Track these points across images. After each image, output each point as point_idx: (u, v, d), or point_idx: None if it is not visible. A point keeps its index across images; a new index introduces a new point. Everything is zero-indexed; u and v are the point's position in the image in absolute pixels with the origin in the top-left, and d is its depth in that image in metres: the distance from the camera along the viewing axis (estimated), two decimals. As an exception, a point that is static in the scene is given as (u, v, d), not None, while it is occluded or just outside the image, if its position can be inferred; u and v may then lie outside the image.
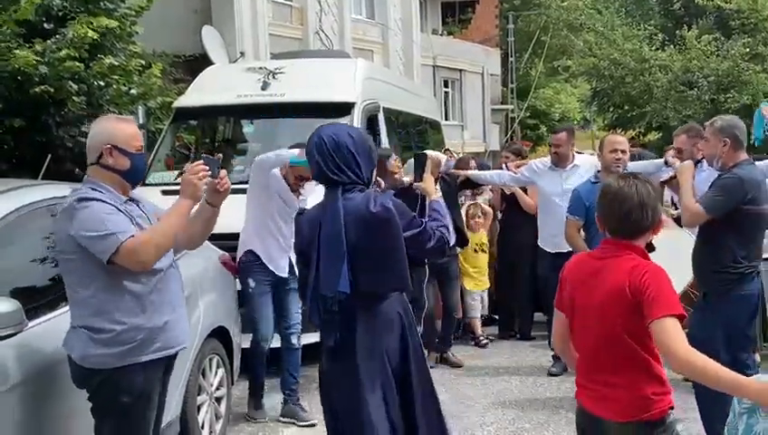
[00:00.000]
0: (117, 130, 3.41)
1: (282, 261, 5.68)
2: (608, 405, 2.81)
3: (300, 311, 5.68)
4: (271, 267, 5.63)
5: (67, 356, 3.32)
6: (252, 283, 5.62)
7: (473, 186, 7.62)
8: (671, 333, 2.58)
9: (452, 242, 6.63)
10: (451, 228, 6.39)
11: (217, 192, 3.53)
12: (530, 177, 7.12)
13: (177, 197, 3.43)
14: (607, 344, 2.79)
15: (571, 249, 5.95)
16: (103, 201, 3.25)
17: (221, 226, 4.21)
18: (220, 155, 3.64)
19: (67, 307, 3.43)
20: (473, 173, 7.36)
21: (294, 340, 5.74)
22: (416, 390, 3.38)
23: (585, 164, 6.89)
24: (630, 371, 2.76)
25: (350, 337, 3.31)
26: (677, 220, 6.39)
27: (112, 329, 3.23)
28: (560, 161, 6.92)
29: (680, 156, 5.99)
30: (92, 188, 3.30)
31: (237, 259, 5.67)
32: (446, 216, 3.59)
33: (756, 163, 4.95)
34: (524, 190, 7.82)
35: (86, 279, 3.24)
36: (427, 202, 3.68)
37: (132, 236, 3.20)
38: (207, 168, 3.41)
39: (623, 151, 6.07)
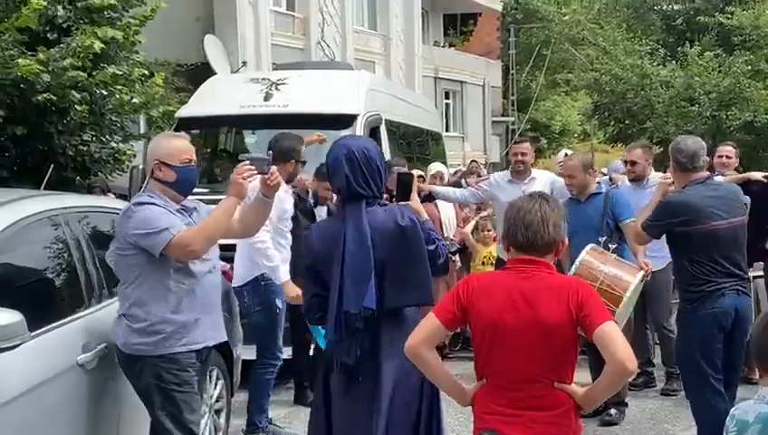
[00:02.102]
0: (162, 146, 3.88)
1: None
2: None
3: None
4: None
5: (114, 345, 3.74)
6: (279, 303, 5.53)
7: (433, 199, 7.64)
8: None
9: None
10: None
11: (268, 186, 3.82)
12: (489, 190, 7.22)
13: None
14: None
15: None
16: (156, 204, 3.68)
17: None
18: (270, 152, 3.97)
19: (70, 318, 3.68)
20: (435, 189, 7.46)
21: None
22: (423, 404, 3.36)
23: (542, 178, 7.06)
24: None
25: (373, 354, 3.26)
26: None
27: (146, 319, 3.65)
28: (522, 172, 7.04)
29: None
30: (148, 196, 3.76)
31: (248, 278, 5.55)
32: (438, 235, 3.55)
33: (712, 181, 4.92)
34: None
35: (133, 274, 3.68)
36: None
37: (182, 230, 3.61)
38: (253, 168, 3.70)
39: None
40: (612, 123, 23.35)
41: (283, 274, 5.47)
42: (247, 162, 3.76)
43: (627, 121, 21.70)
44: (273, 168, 3.83)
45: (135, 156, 10.37)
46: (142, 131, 10.60)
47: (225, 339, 4.17)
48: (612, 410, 5.93)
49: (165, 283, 3.68)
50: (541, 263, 2.85)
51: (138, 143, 9.94)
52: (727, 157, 7.34)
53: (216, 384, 5.12)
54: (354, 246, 3.20)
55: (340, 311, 3.23)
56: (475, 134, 29.57)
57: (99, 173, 9.43)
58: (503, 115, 32.71)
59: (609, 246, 5.54)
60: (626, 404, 6.11)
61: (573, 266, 4.87)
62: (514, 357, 2.79)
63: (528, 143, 7.36)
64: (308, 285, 3.45)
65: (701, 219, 4.59)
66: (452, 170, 12.04)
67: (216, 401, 5.13)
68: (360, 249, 3.19)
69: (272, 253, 5.39)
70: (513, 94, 33.77)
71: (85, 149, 9.07)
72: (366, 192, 3.31)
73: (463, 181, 9.05)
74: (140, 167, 7.93)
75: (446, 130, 26.42)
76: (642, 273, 5.11)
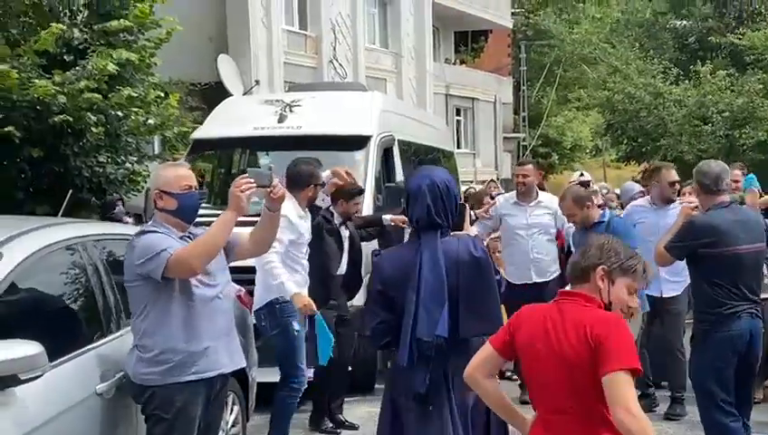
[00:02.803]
0: (161, 176, 3.91)
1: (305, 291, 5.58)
2: None
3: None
4: None
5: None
6: (296, 325, 5.45)
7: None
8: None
9: None
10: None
11: (273, 199, 3.83)
12: (495, 214, 7.23)
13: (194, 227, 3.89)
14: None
15: (535, 281, 6.63)
16: (157, 232, 3.71)
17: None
18: (273, 166, 3.93)
19: (89, 346, 3.70)
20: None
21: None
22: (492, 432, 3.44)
23: (548, 201, 7.09)
24: None
25: (441, 380, 3.31)
26: None
27: (153, 349, 3.66)
28: (525, 194, 7.06)
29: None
30: (152, 225, 3.80)
31: (264, 301, 5.53)
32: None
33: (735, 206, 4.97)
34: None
35: (140, 305, 3.71)
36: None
37: (178, 249, 3.61)
38: (252, 181, 3.68)
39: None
40: (625, 141, 23.33)
41: (290, 287, 5.39)
42: (246, 175, 3.76)
43: (640, 140, 21.69)
44: (276, 180, 3.82)
45: (149, 176, 10.46)
46: (156, 152, 10.70)
47: (243, 365, 4.14)
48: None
49: (170, 312, 3.68)
50: (577, 295, 2.86)
51: (152, 164, 10.02)
52: (734, 181, 7.37)
53: (231, 409, 5.13)
54: (430, 274, 3.26)
55: (413, 338, 3.25)
56: (486, 151, 29.59)
57: (114, 193, 9.49)
58: (514, 131, 32.71)
59: None
60: None
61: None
62: (544, 386, 2.83)
63: (531, 166, 7.39)
64: (375, 311, 3.45)
65: (726, 242, 4.64)
66: (464, 187, 12.04)
67: (232, 426, 5.13)
68: (436, 278, 3.25)
69: (277, 271, 5.36)
70: (524, 110, 33.79)
71: (101, 170, 9.16)
72: (442, 222, 3.40)
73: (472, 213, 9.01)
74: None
75: (458, 147, 26.45)
76: None
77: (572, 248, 6.22)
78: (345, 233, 6.34)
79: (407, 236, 5.71)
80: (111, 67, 8.32)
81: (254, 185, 3.70)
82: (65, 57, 8.82)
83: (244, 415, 5.30)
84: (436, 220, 3.36)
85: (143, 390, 3.69)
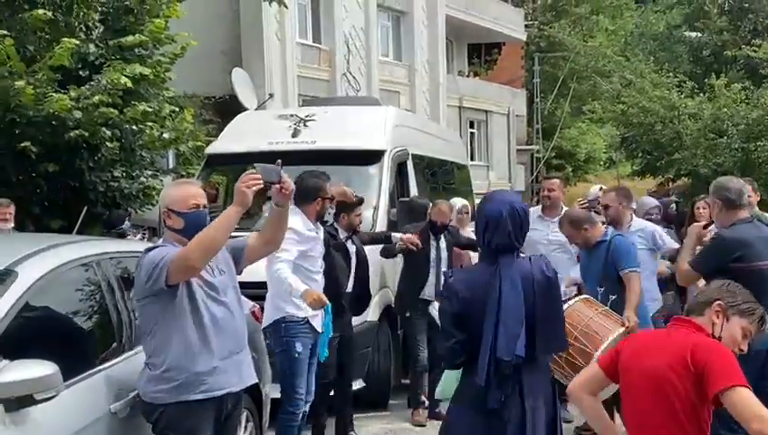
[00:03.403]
0: (169, 195, 3.87)
1: (318, 319, 5.47)
2: None
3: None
4: (314, 325, 5.42)
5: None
6: (299, 347, 5.34)
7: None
8: None
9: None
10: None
11: (283, 195, 3.76)
12: None
13: None
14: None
15: None
16: (160, 246, 3.71)
17: (248, 273, 4.21)
18: (279, 161, 3.76)
19: (104, 365, 3.70)
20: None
21: (306, 407, 5.55)
22: None
23: None
24: None
25: (516, 397, 3.38)
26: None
27: (161, 366, 3.63)
28: (551, 208, 7.00)
29: (606, 212, 6.31)
30: (160, 243, 3.80)
31: (271, 319, 5.44)
32: None
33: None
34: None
35: (150, 324, 3.68)
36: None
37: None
38: (259, 177, 3.61)
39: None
40: (640, 155, 23.26)
41: (298, 285, 5.21)
42: (253, 171, 3.67)
43: (655, 153, 21.59)
44: (285, 175, 3.73)
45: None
46: (171, 166, 10.73)
47: (255, 382, 4.09)
48: None
49: (179, 330, 3.63)
50: (689, 322, 2.96)
51: (166, 178, 10.05)
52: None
53: (245, 426, 5.11)
54: (509, 295, 3.34)
55: (492, 358, 3.32)
56: (500, 163, 29.57)
57: (128, 207, 9.52)
58: (527, 144, 32.69)
59: (610, 297, 5.46)
60: None
61: None
62: (638, 408, 2.90)
63: (558, 181, 7.34)
64: (450, 331, 3.46)
65: (754, 257, 4.63)
66: (476, 201, 12.00)
67: (246, 443, 5.13)
68: (515, 299, 3.35)
69: (284, 274, 5.21)
70: (537, 122, 33.76)
71: (115, 185, 9.19)
72: (519, 245, 3.51)
73: None
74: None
75: (471, 160, 26.41)
76: (622, 329, 5.01)
77: (581, 271, 6.12)
78: (352, 248, 6.27)
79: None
80: (124, 80, 8.34)
81: (261, 181, 3.62)
82: (81, 72, 8.86)
83: (258, 430, 5.29)
84: (515, 244, 3.48)
85: (153, 408, 3.66)
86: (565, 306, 4.87)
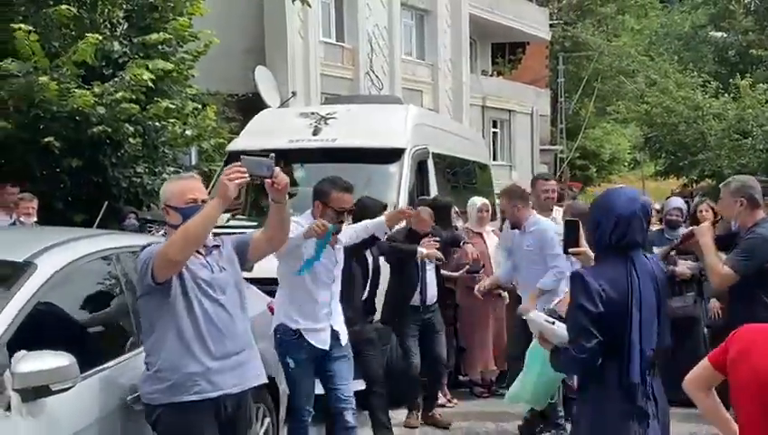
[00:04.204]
0: (167, 190, 3.75)
1: (323, 333, 5.04)
2: None
3: (349, 381, 5.14)
4: (312, 342, 5.01)
5: None
6: (291, 363, 5.01)
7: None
8: None
9: (434, 299, 6.61)
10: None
11: (276, 190, 3.56)
12: (505, 235, 6.93)
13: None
14: None
15: None
16: (153, 243, 3.62)
17: (264, 270, 4.18)
18: (272, 154, 3.55)
19: (121, 357, 3.73)
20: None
21: (350, 417, 5.10)
22: None
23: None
24: None
25: (651, 391, 3.40)
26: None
27: (155, 365, 3.55)
28: (545, 210, 6.76)
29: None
30: (157, 241, 3.73)
31: (273, 328, 5.09)
32: None
33: None
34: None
35: (147, 322, 3.62)
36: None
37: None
38: (245, 170, 3.41)
39: None
40: (664, 155, 23.08)
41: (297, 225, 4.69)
42: (238, 163, 3.45)
43: (678, 154, 21.42)
44: (277, 169, 3.50)
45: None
46: (193, 163, 10.80)
47: (261, 383, 3.91)
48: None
49: (173, 329, 3.54)
50: None
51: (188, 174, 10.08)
52: None
53: (262, 422, 5.13)
54: (646, 292, 3.36)
55: (642, 354, 3.33)
56: (522, 163, 29.45)
57: (151, 204, 9.60)
58: (551, 143, 32.53)
59: None
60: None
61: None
62: (740, 401, 2.80)
63: (555, 182, 7.25)
64: (591, 331, 3.32)
65: None
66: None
67: (262, 438, 5.15)
68: (650, 296, 3.38)
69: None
70: (561, 122, 33.59)
71: (138, 181, 9.27)
72: (645, 242, 3.54)
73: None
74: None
75: (494, 159, 26.35)
76: None
77: None
78: (370, 259, 5.99)
79: None
80: (147, 76, 8.42)
81: (247, 175, 3.42)
82: (104, 70, 8.96)
83: (275, 426, 5.31)
84: (642, 241, 3.48)
85: (152, 409, 3.57)
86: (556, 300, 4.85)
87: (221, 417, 3.67)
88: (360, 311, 5.91)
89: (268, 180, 3.49)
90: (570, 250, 3.75)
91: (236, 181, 3.41)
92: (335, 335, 5.10)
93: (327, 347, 5.05)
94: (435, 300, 6.71)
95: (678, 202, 7.83)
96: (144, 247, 3.62)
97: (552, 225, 6.38)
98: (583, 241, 3.78)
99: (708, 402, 3.00)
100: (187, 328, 3.53)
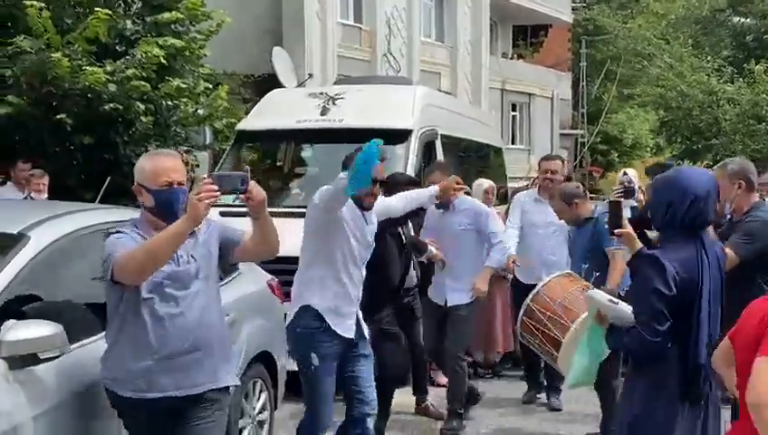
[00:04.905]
0: (142, 167, 3.45)
1: (350, 319, 4.58)
2: None
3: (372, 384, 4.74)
4: (338, 331, 4.51)
5: None
6: (315, 359, 4.49)
7: None
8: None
9: (414, 282, 6.22)
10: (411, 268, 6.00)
11: (252, 205, 3.35)
12: (519, 214, 6.87)
13: (236, 218, 3.49)
14: None
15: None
16: (121, 231, 3.38)
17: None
18: (247, 168, 3.47)
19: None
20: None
21: (371, 424, 4.71)
22: None
23: None
24: None
25: (709, 375, 3.37)
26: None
27: (107, 353, 3.43)
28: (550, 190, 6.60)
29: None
30: (127, 225, 3.46)
31: (291, 316, 4.64)
32: None
33: None
34: None
35: (108, 310, 3.45)
36: None
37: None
38: (215, 187, 3.20)
39: None
40: (680, 140, 22.92)
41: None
42: (209, 180, 3.23)
43: (693, 138, 21.26)
44: (253, 183, 3.29)
45: (198, 166, 10.65)
46: (208, 142, 10.88)
47: (226, 385, 3.58)
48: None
49: (121, 321, 3.37)
50: None
51: (201, 154, 10.19)
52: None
53: (259, 396, 5.21)
54: (715, 274, 3.34)
55: (710, 340, 3.30)
56: (541, 147, 29.28)
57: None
58: (572, 128, 32.33)
59: (594, 273, 5.44)
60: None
61: (531, 293, 4.83)
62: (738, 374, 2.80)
63: (560, 162, 7.06)
64: (662, 316, 3.26)
65: None
66: (515, 184, 11.92)
67: (259, 412, 5.21)
68: (717, 275, 3.36)
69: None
70: (583, 107, 33.36)
71: (149, 159, 9.31)
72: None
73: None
74: (203, 177, 8.01)
75: (512, 143, 26.29)
76: None
77: (569, 248, 6.09)
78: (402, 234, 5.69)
79: None
80: (157, 52, 8.48)
81: (218, 192, 3.19)
82: (117, 47, 9.03)
83: (272, 402, 5.37)
84: (711, 220, 3.45)
85: (108, 393, 3.45)
86: (546, 279, 4.88)
87: (162, 421, 3.43)
88: (399, 290, 5.69)
89: (242, 196, 3.30)
90: (616, 231, 3.69)
91: (206, 202, 3.16)
92: (359, 326, 4.68)
93: (352, 336, 4.60)
94: (414, 283, 6.25)
95: None
96: (108, 235, 3.41)
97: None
98: (626, 221, 3.73)
99: (734, 376, 2.89)
100: (133, 323, 3.33)
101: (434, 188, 5.37)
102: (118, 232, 3.38)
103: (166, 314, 3.35)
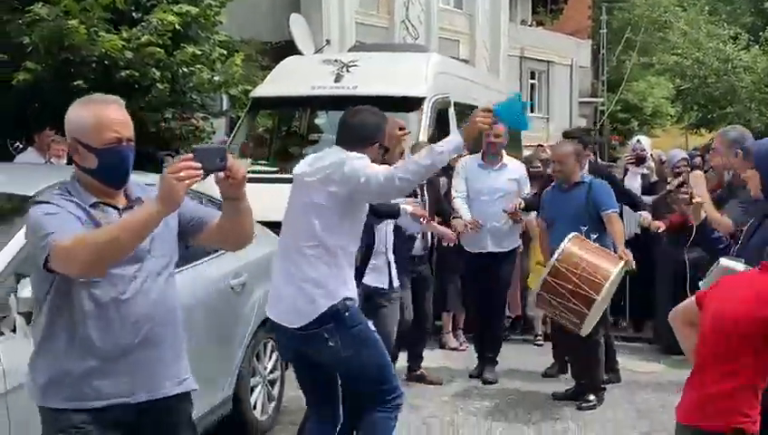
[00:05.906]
0: (78, 119, 2.63)
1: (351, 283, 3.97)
2: None
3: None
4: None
5: None
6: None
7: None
8: None
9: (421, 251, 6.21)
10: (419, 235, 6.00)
11: (228, 185, 2.57)
12: (464, 182, 6.66)
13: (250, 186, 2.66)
14: None
15: (490, 250, 6.44)
16: (52, 203, 2.58)
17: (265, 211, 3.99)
18: (225, 139, 2.89)
19: None
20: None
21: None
22: None
23: (513, 164, 6.79)
24: None
25: None
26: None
27: (36, 353, 2.69)
28: (494, 156, 6.56)
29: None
30: (58, 190, 2.66)
31: (321, 313, 3.81)
32: None
33: None
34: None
35: (37, 298, 2.69)
36: None
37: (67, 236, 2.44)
38: (199, 165, 2.42)
39: None
40: (696, 108, 22.71)
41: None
42: (189, 156, 2.44)
43: (709, 106, 21.07)
44: (232, 159, 2.53)
45: (215, 132, 10.76)
46: (225, 108, 10.98)
47: (186, 390, 2.81)
48: (591, 396, 5.92)
49: (55, 309, 2.61)
50: None
51: (217, 120, 10.29)
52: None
53: (270, 356, 5.35)
54: None
55: None
56: (560, 115, 29.18)
57: (179, 150, 9.80)
58: (592, 96, 32.12)
59: (591, 235, 5.55)
60: (603, 389, 6.05)
61: (556, 253, 5.07)
62: (704, 343, 2.88)
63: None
64: None
65: None
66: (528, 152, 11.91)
67: (271, 371, 5.36)
68: None
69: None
70: (603, 74, 33.08)
71: (166, 126, 9.46)
72: None
73: None
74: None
75: (531, 111, 26.15)
76: (623, 263, 5.25)
77: (544, 208, 6.09)
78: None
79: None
80: (172, 19, 8.55)
81: (201, 171, 2.42)
82: (134, 15, 9.11)
83: (283, 362, 5.49)
84: None
85: (45, 415, 2.68)
86: (566, 241, 5.00)
87: (120, 432, 2.67)
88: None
89: (221, 174, 2.52)
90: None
91: (187, 182, 2.38)
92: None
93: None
94: (422, 252, 6.26)
95: (681, 154, 7.97)
96: (33, 203, 2.62)
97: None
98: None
99: (691, 337, 2.98)
100: (68, 313, 2.59)
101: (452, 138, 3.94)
102: (47, 203, 2.58)
103: (110, 299, 2.60)
